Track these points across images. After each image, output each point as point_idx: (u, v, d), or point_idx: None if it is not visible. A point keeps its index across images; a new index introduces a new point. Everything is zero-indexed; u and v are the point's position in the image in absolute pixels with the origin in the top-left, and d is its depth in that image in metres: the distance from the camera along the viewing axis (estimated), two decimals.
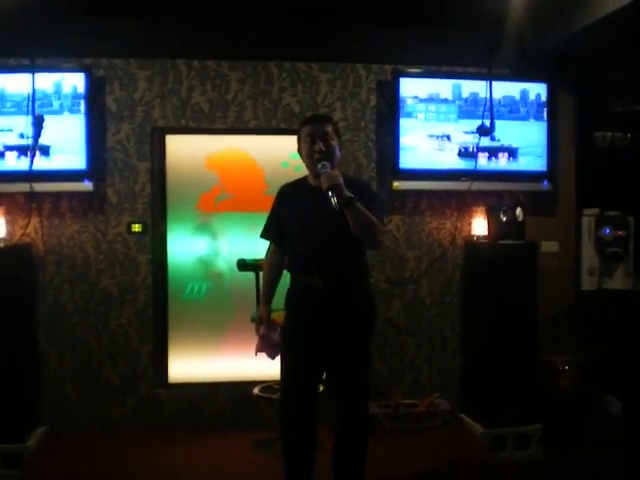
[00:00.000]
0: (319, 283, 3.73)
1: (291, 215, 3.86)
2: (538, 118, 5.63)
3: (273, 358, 4.11)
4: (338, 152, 3.83)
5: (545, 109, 5.64)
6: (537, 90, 5.63)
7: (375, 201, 3.82)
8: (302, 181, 3.95)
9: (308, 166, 3.81)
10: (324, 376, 3.97)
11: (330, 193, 3.49)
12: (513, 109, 5.58)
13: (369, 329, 3.91)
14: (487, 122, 5.42)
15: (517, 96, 5.59)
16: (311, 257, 3.76)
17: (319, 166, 3.64)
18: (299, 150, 3.87)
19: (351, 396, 3.88)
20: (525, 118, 5.62)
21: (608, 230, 5.67)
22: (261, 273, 4.27)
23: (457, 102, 5.51)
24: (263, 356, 4.12)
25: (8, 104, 5.09)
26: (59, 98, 5.13)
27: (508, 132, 5.57)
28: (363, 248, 3.86)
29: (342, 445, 3.94)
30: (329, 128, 3.81)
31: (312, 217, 3.74)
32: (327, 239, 3.70)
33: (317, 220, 3.71)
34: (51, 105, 5.11)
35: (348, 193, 3.52)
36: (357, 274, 3.86)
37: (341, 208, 3.49)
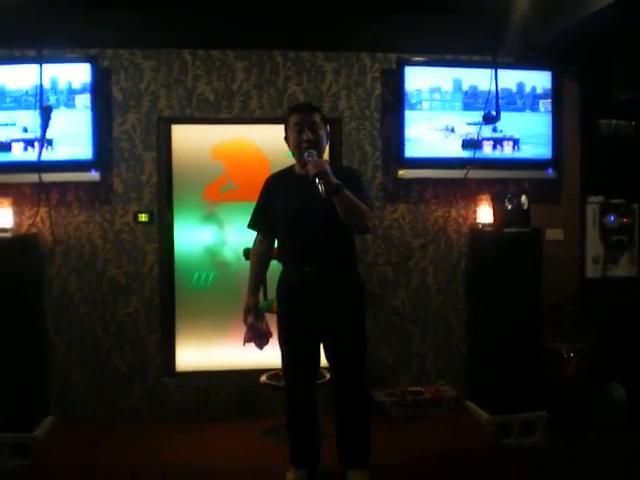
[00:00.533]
0: (310, 272, 3.77)
1: (279, 205, 3.89)
2: (534, 109, 5.63)
3: (261, 348, 4.13)
4: (325, 141, 3.86)
5: (541, 100, 5.64)
6: (535, 81, 5.63)
7: (363, 187, 3.86)
8: (289, 170, 3.99)
9: (295, 155, 3.86)
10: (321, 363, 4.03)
11: (317, 180, 3.51)
12: (511, 101, 5.58)
13: (361, 312, 3.97)
14: (493, 112, 5.42)
15: (514, 88, 5.60)
16: (301, 246, 3.80)
17: (305, 154, 3.67)
18: (286, 139, 3.91)
19: (349, 380, 3.93)
20: (522, 109, 5.62)
21: (613, 218, 5.67)
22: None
23: (458, 94, 5.53)
24: (252, 346, 4.14)
25: (8, 99, 5.11)
26: (55, 93, 5.13)
27: (509, 123, 5.58)
28: (352, 234, 3.89)
29: (344, 430, 3.98)
30: (317, 117, 3.85)
31: (300, 206, 3.78)
32: (316, 228, 3.74)
33: (306, 209, 3.75)
34: (48, 100, 5.10)
35: (335, 180, 3.55)
36: (347, 260, 3.91)
37: (329, 195, 3.51)
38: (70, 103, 5.15)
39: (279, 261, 4.01)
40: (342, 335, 3.86)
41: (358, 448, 3.99)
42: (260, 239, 4.08)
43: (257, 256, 4.10)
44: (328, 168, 3.57)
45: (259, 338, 4.09)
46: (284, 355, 4.00)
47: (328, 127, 3.99)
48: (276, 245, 4.07)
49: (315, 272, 3.77)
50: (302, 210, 3.77)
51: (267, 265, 4.17)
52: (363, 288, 4.02)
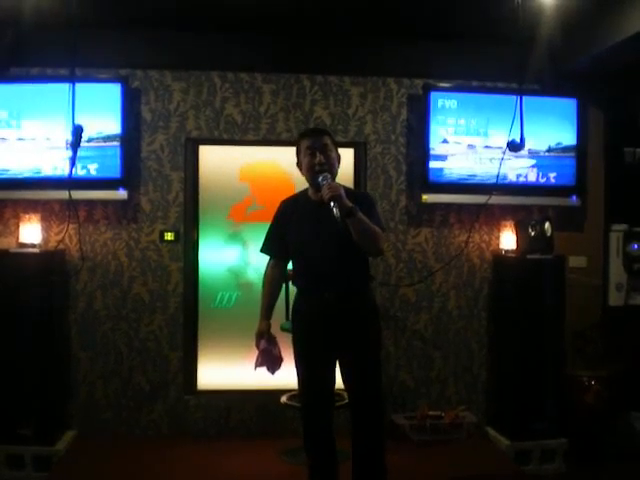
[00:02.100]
0: (326, 297, 3.77)
1: (294, 230, 3.88)
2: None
3: (273, 372, 4.08)
4: (337, 164, 3.87)
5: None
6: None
7: (375, 210, 3.87)
8: (302, 195, 3.98)
9: (308, 179, 3.84)
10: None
11: (332, 204, 3.53)
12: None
13: (377, 334, 3.97)
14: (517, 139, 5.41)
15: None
16: (317, 271, 3.79)
17: (320, 178, 3.67)
18: (298, 164, 3.91)
19: (366, 401, 3.90)
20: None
21: (636, 246, 5.67)
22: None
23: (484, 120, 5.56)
24: (262, 370, 4.11)
25: (40, 117, 5.20)
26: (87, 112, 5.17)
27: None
28: (367, 258, 3.91)
29: (359, 451, 3.97)
30: (327, 140, 3.84)
31: (315, 231, 3.78)
32: (331, 252, 3.74)
33: (320, 234, 3.75)
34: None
35: (349, 203, 3.57)
36: (362, 284, 3.92)
37: (343, 219, 3.54)
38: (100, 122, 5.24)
39: (294, 285, 4.01)
40: (358, 357, 3.86)
41: (373, 469, 3.98)
42: (273, 263, 4.07)
43: (270, 281, 4.07)
44: (342, 192, 3.60)
45: (271, 363, 4.06)
46: (300, 378, 3.99)
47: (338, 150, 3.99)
48: (290, 269, 4.08)
49: (332, 296, 3.78)
50: (317, 236, 3.77)
51: (280, 289, 4.16)
52: (378, 309, 4.03)
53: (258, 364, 4.06)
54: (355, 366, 3.88)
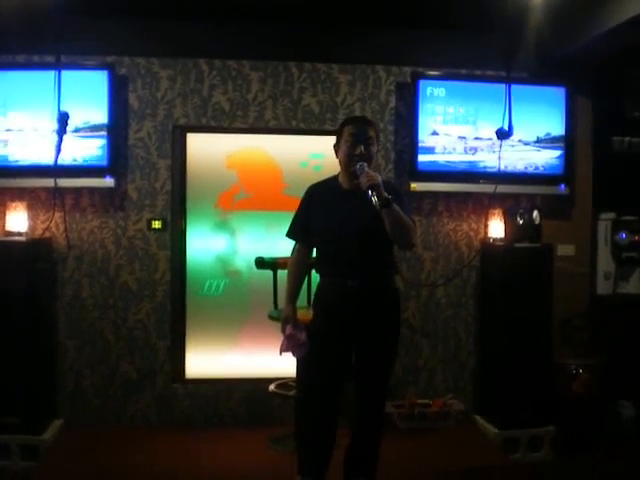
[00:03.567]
0: (352, 284, 3.73)
1: (322, 216, 3.83)
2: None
3: (299, 358, 4.10)
4: (375, 157, 3.85)
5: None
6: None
7: (405, 202, 3.82)
8: (331, 181, 3.93)
9: (343, 165, 3.80)
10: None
11: (370, 192, 3.51)
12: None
13: (397, 327, 3.94)
14: (506, 127, 5.42)
15: None
16: (344, 258, 3.75)
17: (357, 166, 3.62)
18: (335, 146, 3.87)
19: (373, 393, 3.89)
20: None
21: (624, 235, 5.67)
22: (279, 271, 4.26)
23: (472, 108, 5.55)
24: (287, 355, 4.09)
25: (25, 104, 5.16)
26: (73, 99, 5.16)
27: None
28: (392, 248, 3.87)
29: (357, 442, 3.95)
30: (372, 133, 3.79)
31: (344, 218, 3.74)
32: (359, 240, 3.70)
33: (349, 221, 3.71)
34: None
35: (386, 194, 3.54)
36: (387, 274, 3.88)
37: (380, 208, 3.51)
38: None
39: (318, 272, 3.96)
40: (375, 349, 3.82)
41: (367, 458, 3.96)
42: (298, 248, 4.01)
43: (295, 265, 4.02)
44: (380, 181, 3.57)
45: (297, 348, 4.01)
46: (313, 366, 3.90)
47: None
48: (314, 256, 4.04)
49: (357, 285, 3.74)
50: (345, 223, 3.73)
51: (305, 274, 4.11)
52: (399, 302, 3.98)
53: (283, 349, 4.00)
54: (370, 357, 3.83)
